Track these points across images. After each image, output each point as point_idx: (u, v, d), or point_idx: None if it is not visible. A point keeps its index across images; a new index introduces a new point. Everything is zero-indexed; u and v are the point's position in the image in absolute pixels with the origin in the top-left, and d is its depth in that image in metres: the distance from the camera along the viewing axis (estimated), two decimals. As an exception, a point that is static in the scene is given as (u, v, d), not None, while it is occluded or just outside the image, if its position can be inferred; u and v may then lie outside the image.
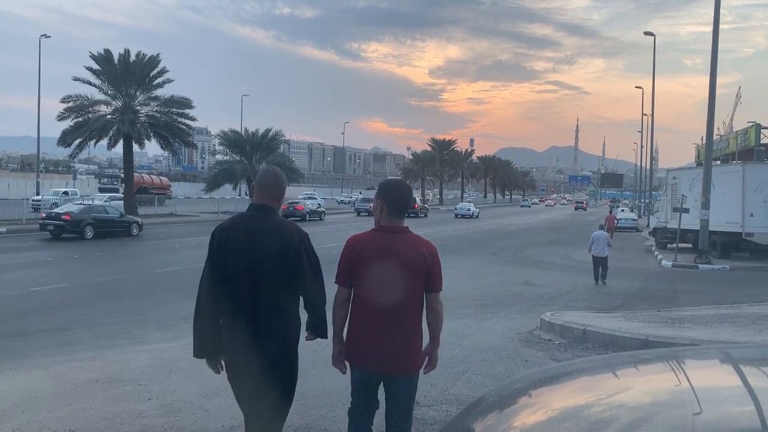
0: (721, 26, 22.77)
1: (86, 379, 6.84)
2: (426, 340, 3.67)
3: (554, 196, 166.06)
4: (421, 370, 3.62)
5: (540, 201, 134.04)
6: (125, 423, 5.47)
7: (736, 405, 1.57)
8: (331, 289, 3.74)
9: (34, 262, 18.21)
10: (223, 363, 3.65)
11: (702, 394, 1.65)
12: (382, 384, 3.59)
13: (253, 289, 3.47)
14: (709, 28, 22.45)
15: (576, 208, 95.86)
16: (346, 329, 3.67)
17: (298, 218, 40.76)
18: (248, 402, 3.60)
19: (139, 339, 9.43)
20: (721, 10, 22.42)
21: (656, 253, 26.02)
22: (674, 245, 23.12)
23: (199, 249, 22.39)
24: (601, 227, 18.36)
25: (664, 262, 22.53)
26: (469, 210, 56.37)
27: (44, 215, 26.71)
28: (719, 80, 23.10)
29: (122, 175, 48.89)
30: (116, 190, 52.66)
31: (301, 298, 3.64)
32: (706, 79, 22.53)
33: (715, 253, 22.83)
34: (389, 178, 5.46)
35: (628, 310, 12.06)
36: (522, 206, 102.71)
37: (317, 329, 3.78)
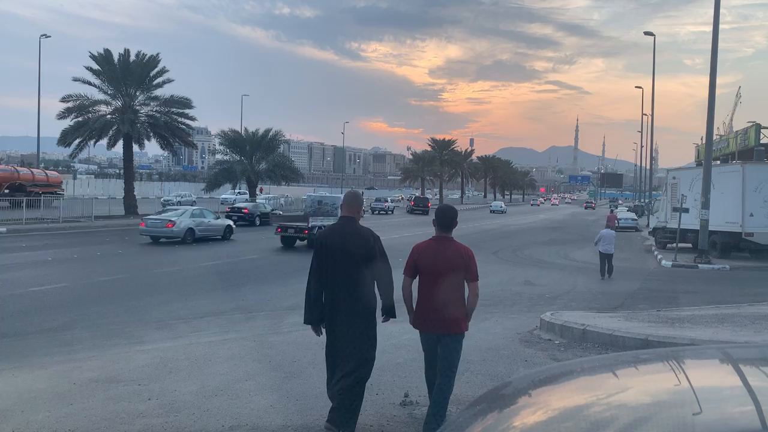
0: (721, 26, 22.86)
1: (86, 378, 6.84)
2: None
3: (555, 195, 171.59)
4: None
5: (544, 200, 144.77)
6: (125, 423, 5.47)
7: (736, 405, 1.57)
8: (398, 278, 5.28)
9: (34, 261, 18.20)
10: (323, 329, 5.26)
11: (702, 394, 1.65)
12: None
13: (345, 274, 5.03)
14: (710, 28, 22.47)
15: (586, 207, 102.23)
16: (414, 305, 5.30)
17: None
18: (341, 356, 5.10)
19: (139, 339, 9.43)
20: (722, 10, 22.45)
21: (656, 252, 26.02)
22: (674, 245, 23.13)
23: (199, 250, 22.41)
24: (609, 226, 19.13)
25: (664, 261, 22.53)
26: (501, 207, 72.67)
27: (228, 209, 36.84)
28: (719, 80, 23.12)
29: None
30: None
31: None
32: (706, 79, 22.55)
33: (715, 252, 22.82)
34: (441, 204, 6.96)
35: (628, 309, 12.06)
36: (532, 204, 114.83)
37: (388, 312, 5.33)
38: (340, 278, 5.03)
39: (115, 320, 10.85)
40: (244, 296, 13.56)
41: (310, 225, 22.65)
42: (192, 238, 24.41)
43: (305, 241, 23.20)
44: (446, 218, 5.20)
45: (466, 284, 5.16)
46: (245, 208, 35.84)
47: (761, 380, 1.78)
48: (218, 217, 27.47)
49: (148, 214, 27.58)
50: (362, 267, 5.04)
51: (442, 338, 5.06)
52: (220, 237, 26.17)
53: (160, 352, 8.20)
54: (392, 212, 58.57)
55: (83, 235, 27.32)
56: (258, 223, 35.15)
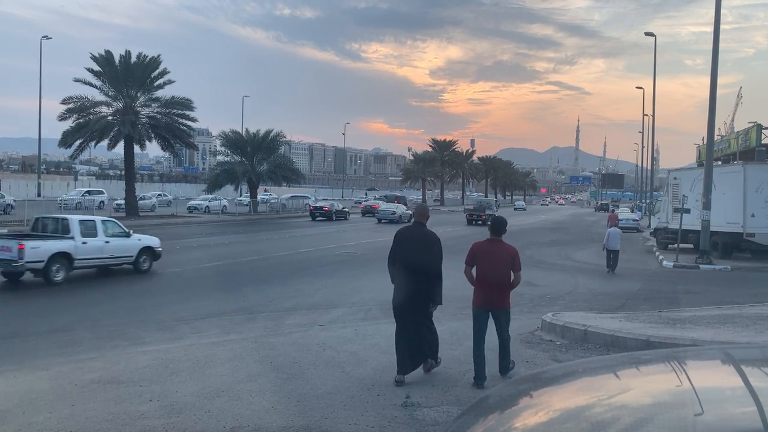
0: (722, 26, 22.75)
1: (87, 380, 6.85)
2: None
3: (557, 196, 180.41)
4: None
5: (551, 201, 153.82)
6: (127, 424, 5.47)
7: (737, 406, 1.57)
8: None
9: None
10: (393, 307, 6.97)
11: (703, 394, 1.65)
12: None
13: (414, 265, 6.74)
14: (710, 29, 22.40)
15: (597, 209, 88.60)
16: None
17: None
18: (410, 330, 6.81)
19: (140, 340, 9.43)
20: (722, 10, 22.42)
21: (657, 253, 26.00)
22: (675, 246, 23.11)
23: (200, 250, 22.40)
24: (615, 225, 21.65)
25: (665, 262, 22.50)
26: (523, 206, 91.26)
27: (312, 207, 45.50)
28: (720, 80, 23.11)
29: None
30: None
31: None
32: (707, 80, 22.54)
33: (716, 253, 22.80)
34: (494, 215, 8.35)
35: (630, 310, 12.05)
36: (542, 204, 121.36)
37: (435, 300, 6.88)
38: (411, 267, 6.78)
39: (116, 321, 10.85)
40: (245, 297, 13.57)
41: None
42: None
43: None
44: (498, 226, 7.17)
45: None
46: (326, 206, 44.96)
47: (763, 381, 1.78)
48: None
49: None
50: (426, 260, 6.80)
51: (496, 313, 6.90)
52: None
53: (162, 353, 8.21)
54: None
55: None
56: (334, 218, 43.21)
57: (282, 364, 7.58)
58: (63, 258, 14.13)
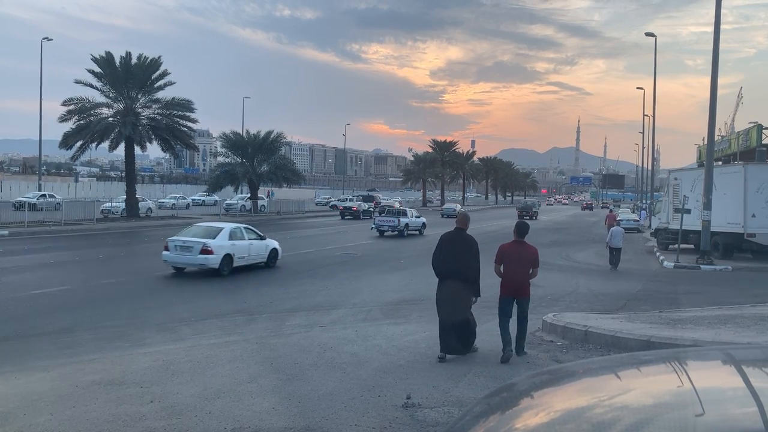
0: (723, 26, 22.71)
1: (88, 381, 6.85)
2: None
3: (560, 196, 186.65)
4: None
5: (555, 201, 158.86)
6: (128, 425, 5.47)
7: (738, 406, 1.57)
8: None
9: (37, 264, 18.22)
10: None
11: (704, 395, 1.65)
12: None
13: (456, 262, 8.13)
14: (711, 29, 22.37)
15: (583, 209, 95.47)
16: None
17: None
18: (447, 305, 8.09)
19: (141, 341, 9.43)
20: (723, 10, 22.39)
21: (658, 254, 25.99)
22: (676, 246, 23.10)
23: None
24: (618, 223, 23.09)
25: (666, 263, 22.49)
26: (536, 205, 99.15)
27: (342, 207, 51.13)
28: (721, 81, 23.10)
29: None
30: None
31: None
32: (708, 80, 22.51)
33: (717, 253, 22.78)
34: (518, 221, 9.38)
35: (631, 311, 12.05)
36: (548, 204, 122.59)
37: (475, 293, 8.29)
38: (452, 264, 8.13)
39: (117, 323, 10.85)
40: (246, 298, 13.57)
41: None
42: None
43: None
44: (523, 230, 8.59)
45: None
46: (354, 206, 50.38)
47: (764, 381, 1.78)
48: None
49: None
50: (466, 258, 8.17)
51: (519, 300, 8.33)
52: None
53: (162, 354, 8.21)
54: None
55: (85, 237, 27.34)
56: (361, 217, 47.54)
57: (283, 365, 7.58)
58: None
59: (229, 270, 16.67)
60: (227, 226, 17.86)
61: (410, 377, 7.01)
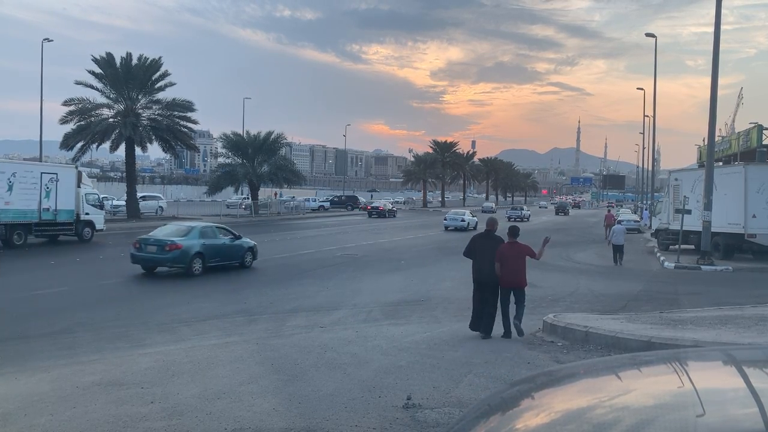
0: (723, 27, 22.70)
1: (89, 382, 6.85)
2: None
3: (560, 197, 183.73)
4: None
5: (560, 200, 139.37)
6: (128, 426, 5.47)
7: (739, 407, 1.57)
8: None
9: (37, 265, 18.23)
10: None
11: (705, 396, 1.65)
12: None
13: (488, 261, 9.54)
14: (711, 29, 22.35)
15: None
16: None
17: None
18: (484, 296, 9.54)
19: (142, 342, 9.44)
20: (723, 11, 22.38)
21: (658, 254, 25.98)
22: (676, 246, 23.09)
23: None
24: (620, 222, 25.23)
25: (666, 263, 22.48)
26: (546, 205, 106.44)
27: (369, 207, 54.39)
28: (721, 81, 23.09)
29: None
30: None
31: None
32: (708, 80, 22.52)
33: (718, 254, 22.76)
34: (510, 225, 10.68)
35: (631, 311, 12.04)
36: (552, 203, 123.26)
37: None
38: (485, 261, 9.58)
39: (117, 323, 10.86)
40: (246, 299, 13.57)
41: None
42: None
43: None
44: (515, 232, 9.88)
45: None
46: (381, 206, 53.59)
47: (765, 382, 1.78)
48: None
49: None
50: (492, 255, 9.51)
51: (516, 291, 9.54)
52: None
53: (163, 355, 8.21)
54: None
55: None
56: (387, 216, 50.91)
57: (283, 365, 7.58)
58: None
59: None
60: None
61: (411, 378, 7.01)
